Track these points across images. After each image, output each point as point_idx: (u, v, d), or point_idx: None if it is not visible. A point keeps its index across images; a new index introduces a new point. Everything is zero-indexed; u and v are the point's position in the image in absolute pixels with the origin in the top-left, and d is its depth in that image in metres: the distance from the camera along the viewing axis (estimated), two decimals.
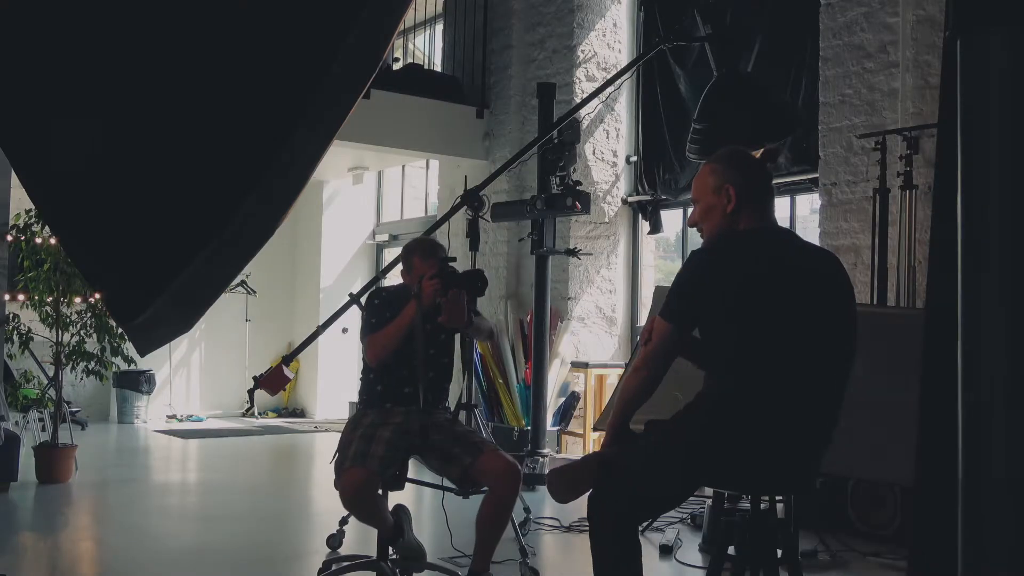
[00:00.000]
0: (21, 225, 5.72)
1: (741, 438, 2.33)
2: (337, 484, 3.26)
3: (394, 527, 3.44)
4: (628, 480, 2.43)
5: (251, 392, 3.49)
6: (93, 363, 5.98)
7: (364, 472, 3.23)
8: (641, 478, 2.43)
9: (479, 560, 3.34)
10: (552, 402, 7.17)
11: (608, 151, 7.78)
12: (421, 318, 3.34)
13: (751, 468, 2.36)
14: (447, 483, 3.55)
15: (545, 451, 6.35)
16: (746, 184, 2.45)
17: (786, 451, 2.36)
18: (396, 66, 8.76)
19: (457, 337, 3.76)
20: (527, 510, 4.61)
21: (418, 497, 5.19)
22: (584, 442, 7.07)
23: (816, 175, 5.75)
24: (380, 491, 3.39)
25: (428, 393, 3.46)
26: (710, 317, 2.40)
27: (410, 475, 3.58)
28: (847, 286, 2.48)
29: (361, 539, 4.52)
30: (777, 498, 2.78)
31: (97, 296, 5.73)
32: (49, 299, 5.82)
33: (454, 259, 3.51)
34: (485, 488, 3.37)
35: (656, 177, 7.45)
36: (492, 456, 3.32)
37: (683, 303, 2.40)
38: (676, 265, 7.84)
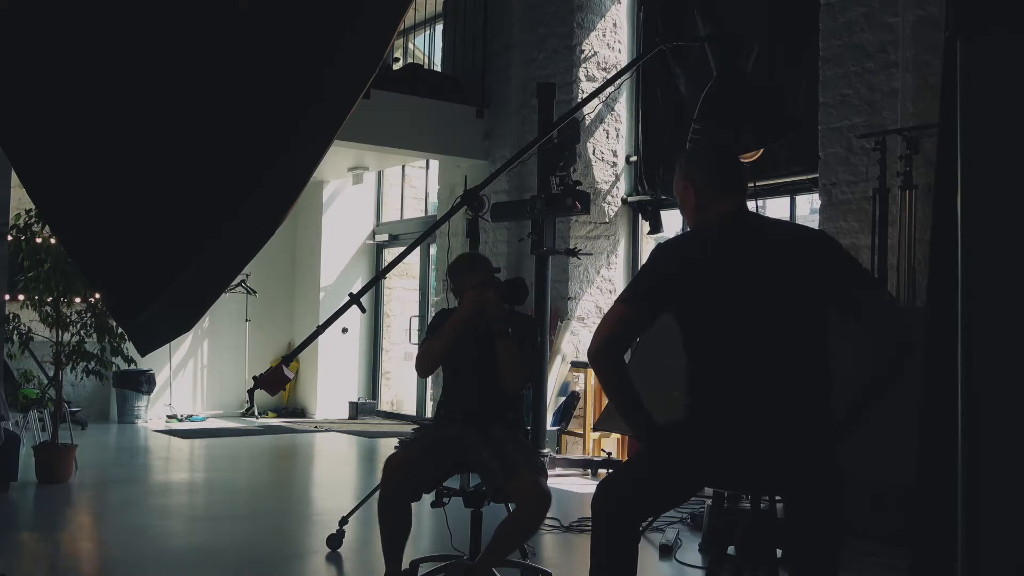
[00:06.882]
0: (21, 225, 5.71)
1: (738, 430, 2.34)
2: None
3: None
4: (625, 481, 2.45)
5: (251, 392, 3.47)
6: (93, 363, 5.98)
7: (403, 453, 3.27)
8: (638, 480, 2.44)
9: (484, 559, 3.25)
10: (552, 402, 7.17)
11: (608, 151, 7.78)
12: (468, 327, 3.36)
13: (750, 467, 2.37)
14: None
15: (545, 451, 6.35)
16: (703, 178, 2.58)
17: (782, 443, 2.36)
18: (396, 66, 8.76)
19: None
20: None
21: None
22: (584, 442, 7.07)
23: (816, 175, 5.75)
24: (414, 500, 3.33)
25: (482, 407, 3.46)
26: (682, 310, 2.44)
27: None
28: (814, 262, 2.43)
29: (361, 539, 4.52)
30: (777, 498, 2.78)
31: (97, 296, 5.73)
32: (49, 299, 5.82)
33: (499, 270, 3.59)
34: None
35: (656, 177, 7.45)
36: (525, 482, 3.18)
37: (638, 289, 2.54)
38: None
